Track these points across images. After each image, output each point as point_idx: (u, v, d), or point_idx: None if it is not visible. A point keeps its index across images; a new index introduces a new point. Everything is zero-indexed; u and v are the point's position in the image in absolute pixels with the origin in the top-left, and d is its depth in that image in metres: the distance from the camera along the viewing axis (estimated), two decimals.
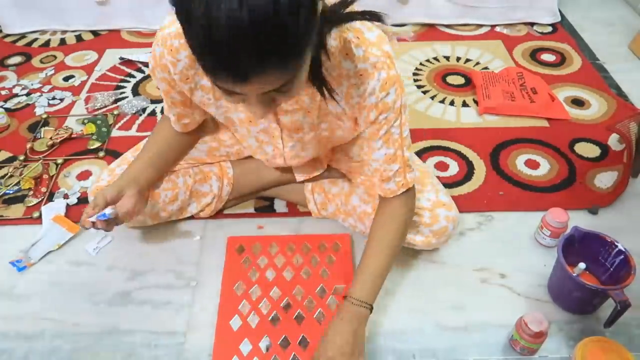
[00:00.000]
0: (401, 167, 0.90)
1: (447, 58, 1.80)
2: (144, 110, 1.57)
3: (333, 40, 0.76)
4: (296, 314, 1.01)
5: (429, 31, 1.96)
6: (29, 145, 1.42)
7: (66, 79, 1.72)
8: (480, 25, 1.97)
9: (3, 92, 1.66)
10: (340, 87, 0.82)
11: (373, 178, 0.95)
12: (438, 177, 1.30)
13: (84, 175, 1.33)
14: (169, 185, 1.12)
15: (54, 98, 1.62)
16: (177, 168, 1.14)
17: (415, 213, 1.02)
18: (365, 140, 0.90)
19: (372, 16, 0.73)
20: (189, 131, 1.06)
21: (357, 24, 0.78)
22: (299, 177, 1.15)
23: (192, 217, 1.20)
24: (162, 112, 1.55)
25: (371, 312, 0.91)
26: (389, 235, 0.95)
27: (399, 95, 0.83)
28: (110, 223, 0.94)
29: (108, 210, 0.92)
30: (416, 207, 1.02)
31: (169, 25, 0.82)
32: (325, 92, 0.79)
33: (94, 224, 0.92)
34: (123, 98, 1.62)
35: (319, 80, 0.78)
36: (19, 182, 1.30)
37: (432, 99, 1.60)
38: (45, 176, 1.32)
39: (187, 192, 1.14)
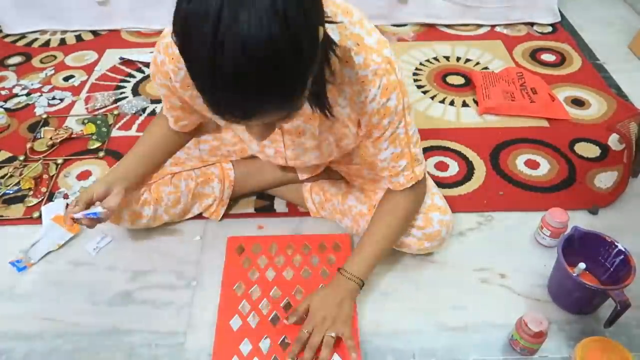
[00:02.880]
0: (409, 162, 0.92)
1: (447, 58, 1.80)
2: (144, 110, 1.57)
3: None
4: None
5: (429, 31, 1.96)
6: (29, 145, 1.42)
7: (66, 79, 1.72)
8: (480, 25, 1.97)
9: (3, 92, 1.66)
10: (344, 93, 0.82)
11: (382, 174, 0.96)
12: (438, 177, 1.31)
13: (84, 175, 1.33)
14: (171, 189, 1.12)
15: (54, 98, 1.62)
16: (179, 171, 1.14)
17: None
18: (371, 142, 0.91)
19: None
20: (186, 131, 1.07)
21: (357, 28, 0.78)
22: (302, 176, 1.15)
23: (192, 217, 1.20)
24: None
25: (361, 288, 0.96)
26: (392, 222, 0.98)
27: (399, 99, 0.83)
28: (94, 220, 0.94)
29: (99, 209, 0.93)
30: None
31: (170, 33, 0.82)
32: (327, 112, 0.80)
33: (74, 221, 0.92)
34: (123, 98, 1.62)
35: (320, 103, 0.79)
36: (19, 182, 1.30)
37: (432, 99, 1.60)
38: (45, 176, 1.32)
39: (189, 195, 1.14)
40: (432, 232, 1.02)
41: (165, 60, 0.85)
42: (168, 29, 0.82)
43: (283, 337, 0.97)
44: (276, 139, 0.97)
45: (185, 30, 0.57)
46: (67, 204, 1.23)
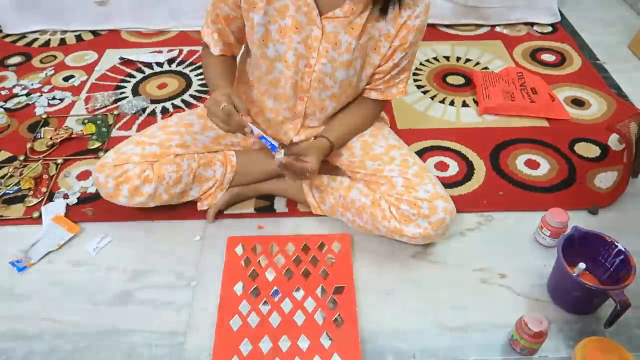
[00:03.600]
0: (406, 76, 1.11)
1: (447, 58, 1.80)
2: (143, 110, 1.57)
3: None
4: (296, 314, 1.01)
5: (429, 31, 1.94)
6: (29, 145, 1.42)
7: (66, 79, 1.72)
8: (480, 25, 1.97)
9: (3, 92, 1.66)
10: (393, 5, 0.96)
11: (374, 84, 1.11)
12: (438, 177, 1.30)
13: (84, 175, 1.33)
14: (173, 168, 1.12)
15: (54, 98, 1.62)
16: (183, 153, 1.14)
17: (414, 205, 1.04)
18: (389, 54, 1.04)
19: None
20: (227, 56, 1.14)
21: None
22: (298, 136, 1.19)
23: (192, 218, 1.20)
24: (162, 111, 1.56)
25: (330, 149, 1.10)
26: (358, 119, 1.16)
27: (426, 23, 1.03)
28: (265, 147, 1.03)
29: (277, 143, 1.02)
30: (415, 198, 1.04)
31: None
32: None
33: (251, 133, 0.98)
34: (123, 98, 1.62)
35: None
36: (19, 182, 1.30)
37: (432, 99, 1.60)
38: (45, 176, 1.32)
39: (190, 176, 1.14)
40: (437, 220, 1.03)
41: None
42: None
43: (283, 337, 0.97)
44: (314, 45, 1.01)
45: None
46: (68, 204, 1.24)
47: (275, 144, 1.01)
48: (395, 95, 1.12)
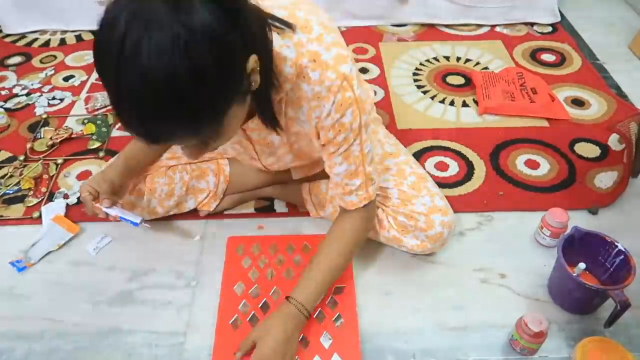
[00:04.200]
0: (363, 181, 0.91)
1: (447, 58, 1.80)
2: None
3: (289, 68, 0.77)
4: None
5: (429, 31, 1.96)
6: (29, 145, 1.42)
7: (66, 79, 1.72)
8: (480, 25, 1.97)
9: (3, 92, 1.66)
10: (302, 108, 0.83)
11: (336, 190, 0.95)
12: (438, 177, 1.31)
13: (84, 175, 1.33)
14: (165, 181, 1.13)
15: (54, 98, 1.62)
16: (175, 164, 1.14)
17: (411, 218, 1.03)
18: (326, 156, 0.91)
19: (283, 24, 0.76)
20: None
21: (314, 45, 0.78)
22: (296, 175, 1.15)
23: (192, 218, 1.20)
24: None
25: (307, 319, 0.93)
26: (343, 249, 0.97)
27: (355, 116, 0.83)
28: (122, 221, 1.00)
29: (139, 218, 0.97)
30: (412, 212, 1.03)
31: None
32: (276, 127, 0.83)
33: (107, 216, 0.98)
34: None
35: (267, 120, 0.82)
36: (19, 182, 1.30)
37: (432, 99, 1.60)
38: (45, 176, 1.32)
39: (183, 188, 1.15)
40: (435, 234, 1.03)
41: None
42: None
43: None
44: (249, 147, 0.99)
45: (96, 56, 0.60)
46: (68, 204, 1.24)
47: (136, 220, 0.99)
48: (358, 203, 0.93)
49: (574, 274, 0.96)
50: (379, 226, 1.06)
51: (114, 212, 0.98)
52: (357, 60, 1.76)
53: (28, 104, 1.60)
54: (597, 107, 1.56)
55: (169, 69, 0.56)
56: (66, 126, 1.49)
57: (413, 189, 1.05)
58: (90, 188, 1.00)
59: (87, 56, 1.83)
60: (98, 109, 1.57)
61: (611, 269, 1.00)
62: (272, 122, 0.83)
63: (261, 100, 0.78)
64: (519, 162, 1.36)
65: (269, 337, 0.87)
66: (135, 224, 0.98)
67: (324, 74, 0.78)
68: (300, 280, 0.95)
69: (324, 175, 1.17)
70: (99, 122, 1.50)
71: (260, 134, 0.93)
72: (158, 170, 1.13)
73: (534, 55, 1.80)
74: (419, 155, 1.37)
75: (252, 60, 0.67)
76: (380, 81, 1.68)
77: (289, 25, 0.76)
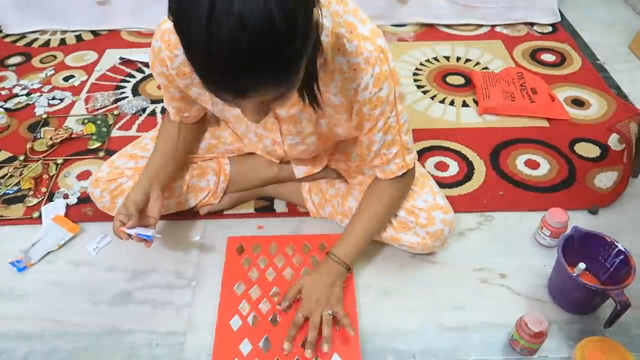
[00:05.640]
0: (399, 149, 0.93)
1: (447, 58, 1.80)
2: (144, 110, 1.57)
3: (325, 37, 0.76)
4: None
5: (429, 31, 1.96)
6: (29, 145, 1.42)
7: (66, 79, 1.72)
8: (480, 25, 1.97)
9: (3, 92, 1.66)
10: (334, 81, 0.82)
11: (373, 162, 0.96)
12: (438, 177, 1.31)
13: (84, 175, 1.33)
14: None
15: (54, 98, 1.62)
16: None
17: (412, 213, 1.03)
18: (364, 134, 0.91)
19: None
20: (192, 123, 1.08)
21: (350, 16, 0.78)
22: (299, 172, 1.15)
23: (192, 218, 1.20)
24: (162, 111, 1.56)
25: (348, 272, 1.00)
26: (379, 210, 1.00)
27: (391, 88, 0.84)
28: (142, 239, 0.96)
29: (151, 232, 0.96)
30: (413, 207, 1.03)
31: (168, 20, 0.83)
32: (315, 104, 0.80)
33: (130, 237, 0.95)
34: (123, 98, 1.62)
35: (309, 90, 0.78)
36: (19, 182, 1.30)
37: (432, 99, 1.60)
38: (45, 176, 1.32)
39: (184, 186, 1.15)
40: (435, 231, 1.02)
41: (162, 46, 0.85)
42: (166, 16, 0.83)
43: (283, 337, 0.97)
44: (273, 128, 0.97)
45: (181, 4, 0.56)
46: (68, 204, 1.24)
47: (149, 233, 0.96)
48: (396, 172, 0.96)
49: (574, 274, 0.96)
50: None
51: (132, 231, 0.95)
52: None
53: (28, 104, 1.60)
54: (597, 107, 1.56)
55: (266, 13, 0.54)
56: (66, 126, 1.49)
57: (415, 185, 1.05)
58: (121, 216, 0.97)
59: (87, 56, 1.83)
60: (98, 109, 1.57)
61: (611, 269, 1.00)
62: (313, 94, 0.78)
63: (310, 63, 0.72)
64: (519, 162, 1.36)
65: (314, 281, 0.96)
66: (150, 238, 0.96)
67: (362, 45, 0.78)
68: (339, 239, 1.01)
69: (324, 175, 1.18)
70: (99, 122, 1.50)
71: (290, 110, 0.91)
72: None
73: (534, 55, 1.80)
74: (419, 156, 1.37)
75: (316, 13, 0.63)
76: None
77: None
